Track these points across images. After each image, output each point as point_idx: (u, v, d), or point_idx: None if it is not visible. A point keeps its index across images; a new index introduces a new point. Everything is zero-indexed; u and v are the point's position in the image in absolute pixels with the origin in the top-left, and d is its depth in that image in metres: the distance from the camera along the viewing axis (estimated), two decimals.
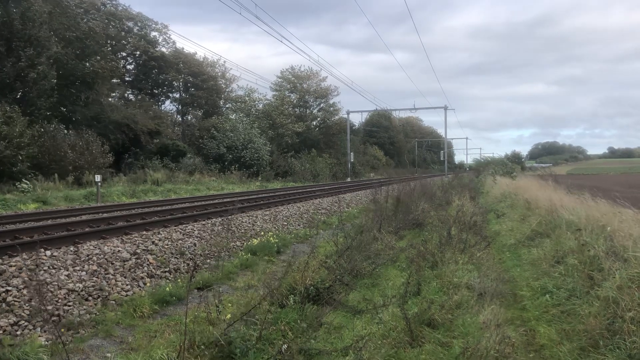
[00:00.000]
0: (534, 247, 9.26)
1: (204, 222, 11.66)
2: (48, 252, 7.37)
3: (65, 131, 24.50)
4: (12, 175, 19.28)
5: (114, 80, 32.52)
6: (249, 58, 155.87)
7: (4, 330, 5.22)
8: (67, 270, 6.83)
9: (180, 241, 9.55)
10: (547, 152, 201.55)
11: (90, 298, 6.38)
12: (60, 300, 6.03)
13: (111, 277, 7.14)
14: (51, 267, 6.82)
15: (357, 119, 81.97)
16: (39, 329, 5.40)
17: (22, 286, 6.06)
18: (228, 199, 18.24)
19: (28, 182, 19.25)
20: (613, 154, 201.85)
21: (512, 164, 42.49)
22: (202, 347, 4.45)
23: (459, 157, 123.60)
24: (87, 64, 27.51)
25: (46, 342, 5.06)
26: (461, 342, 4.70)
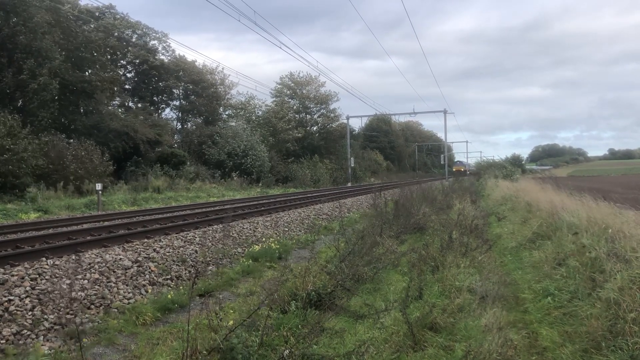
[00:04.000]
0: (535, 250, 9.26)
1: (205, 229, 11.67)
2: (50, 261, 7.38)
3: (67, 140, 24.56)
4: (14, 185, 19.32)
5: (115, 89, 32.60)
6: (244, 66, 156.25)
7: (7, 340, 5.22)
8: (69, 279, 6.84)
9: (181, 248, 9.56)
10: (548, 155, 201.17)
11: (92, 306, 6.39)
12: (62, 309, 6.03)
13: (113, 285, 7.15)
14: (53, 276, 6.83)
15: (357, 124, 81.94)
16: (42, 337, 5.40)
17: (24, 295, 6.07)
18: (229, 206, 18.25)
19: (33, 190, 19.32)
20: (613, 155, 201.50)
21: (513, 167, 42.46)
22: (205, 353, 4.46)
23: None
24: (87, 74, 27.61)
25: (49, 351, 5.06)
26: (463, 346, 4.70)
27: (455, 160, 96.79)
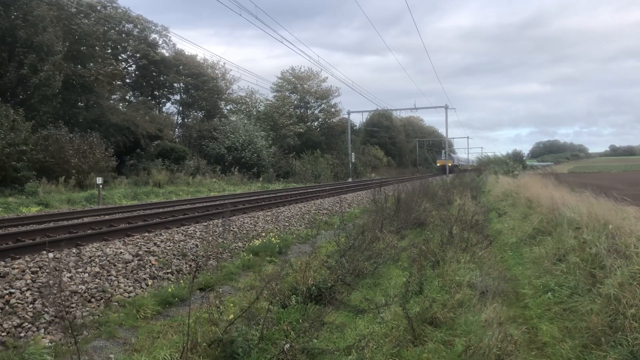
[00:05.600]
0: (535, 246, 9.26)
1: (205, 224, 11.67)
2: (50, 254, 7.39)
3: (69, 135, 24.54)
4: (14, 179, 19.33)
5: (115, 82, 32.56)
6: (244, 61, 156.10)
7: (8, 332, 5.23)
8: (70, 272, 6.85)
9: (182, 242, 9.57)
10: (549, 151, 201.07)
11: (93, 300, 6.40)
12: (62, 302, 6.04)
13: (113, 278, 7.15)
14: (54, 269, 6.84)
15: (357, 119, 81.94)
16: (42, 330, 5.42)
17: (25, 288, 6.08)
18: (229, 200, 18.26)
19: (34, 184, 19.35)
20: (615, 152, 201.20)
21: (514, 163, 42.46)
22: (205, 347, 4.47)
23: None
24: (87, 67, 27.54)
25: (50, 344, 5.08)
26: (463, 341, 4.71)
27: (445, 154, 64.46)
